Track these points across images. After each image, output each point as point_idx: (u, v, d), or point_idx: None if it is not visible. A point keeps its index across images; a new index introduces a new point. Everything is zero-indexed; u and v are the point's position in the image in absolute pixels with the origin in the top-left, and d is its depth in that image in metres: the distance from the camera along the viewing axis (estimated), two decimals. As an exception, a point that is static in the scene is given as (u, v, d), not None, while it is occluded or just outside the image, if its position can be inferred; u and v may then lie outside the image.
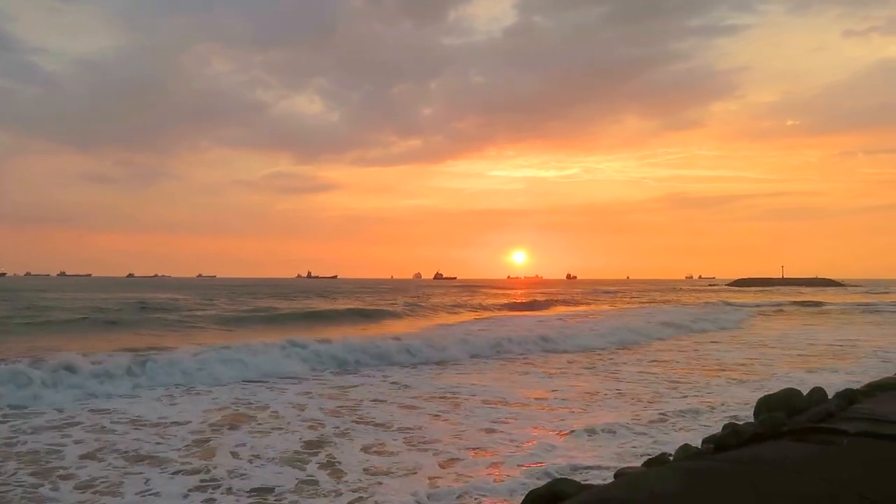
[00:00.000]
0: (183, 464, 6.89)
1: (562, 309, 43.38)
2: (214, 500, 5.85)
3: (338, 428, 8.62)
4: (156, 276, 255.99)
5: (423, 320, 32.88)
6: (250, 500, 5.86)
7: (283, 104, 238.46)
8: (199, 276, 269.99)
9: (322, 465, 6.92)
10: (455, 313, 38.77)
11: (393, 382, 12.83)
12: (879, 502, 2.89)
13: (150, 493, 5.99)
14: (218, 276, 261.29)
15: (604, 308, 43.68)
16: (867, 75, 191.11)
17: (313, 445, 7.72)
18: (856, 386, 5.95)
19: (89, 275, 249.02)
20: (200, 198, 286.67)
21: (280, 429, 8.60)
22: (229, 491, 6.05)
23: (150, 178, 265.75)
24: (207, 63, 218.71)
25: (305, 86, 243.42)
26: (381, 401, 10.76)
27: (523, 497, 3.83)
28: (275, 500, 5.87)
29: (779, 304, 47.06)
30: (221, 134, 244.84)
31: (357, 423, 8.97)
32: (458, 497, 5.88)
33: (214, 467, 6.75)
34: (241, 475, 6.51)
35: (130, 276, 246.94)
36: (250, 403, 10.36)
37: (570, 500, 3.24)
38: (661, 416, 9.38)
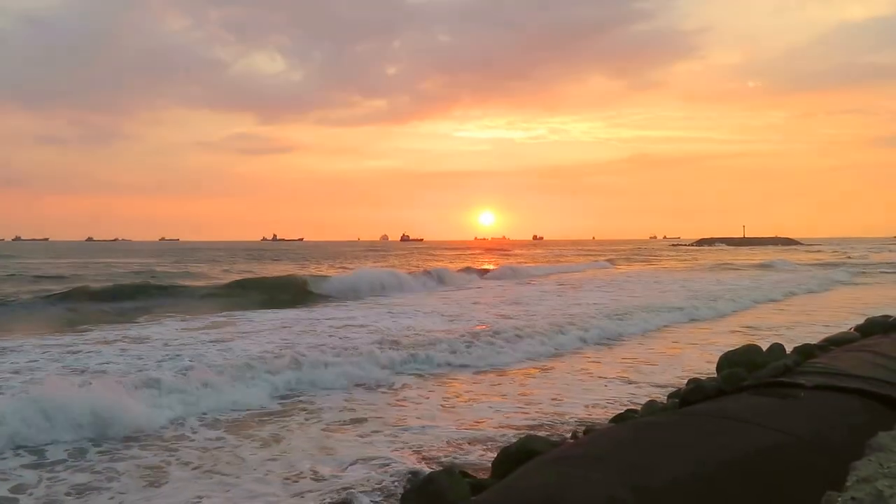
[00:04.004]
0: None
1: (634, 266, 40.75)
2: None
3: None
4: (116, 239, 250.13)
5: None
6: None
7: (242, 62, 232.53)
8: (162, 239, 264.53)
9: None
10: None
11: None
12: (835, 452, 3.02)
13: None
14: (181, 240, 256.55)
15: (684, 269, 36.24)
16: (827, 37, 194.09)
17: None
18: (813, 341, 6.15)
19: (46, 239, 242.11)
20: (159, 159, 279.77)
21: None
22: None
23: (106, 138, 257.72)
24: (161, 19, 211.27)
25: (265, 43, 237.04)
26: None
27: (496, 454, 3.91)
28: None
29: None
30: (179, 93, 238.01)
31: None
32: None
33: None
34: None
35: (90, 239, 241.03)
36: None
37: (539, 457, 3.32)
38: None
